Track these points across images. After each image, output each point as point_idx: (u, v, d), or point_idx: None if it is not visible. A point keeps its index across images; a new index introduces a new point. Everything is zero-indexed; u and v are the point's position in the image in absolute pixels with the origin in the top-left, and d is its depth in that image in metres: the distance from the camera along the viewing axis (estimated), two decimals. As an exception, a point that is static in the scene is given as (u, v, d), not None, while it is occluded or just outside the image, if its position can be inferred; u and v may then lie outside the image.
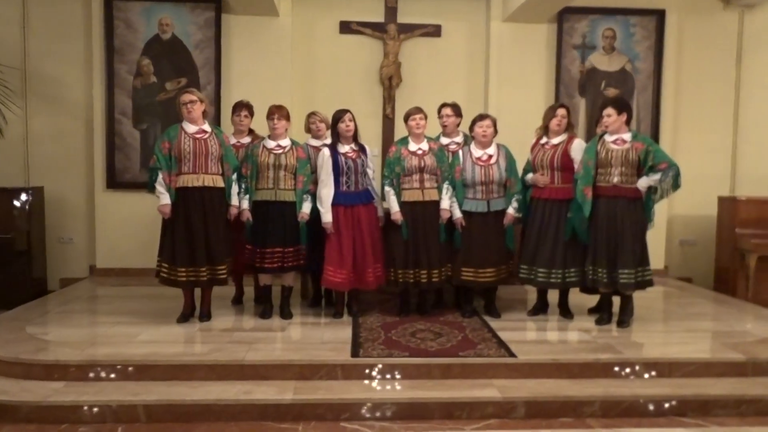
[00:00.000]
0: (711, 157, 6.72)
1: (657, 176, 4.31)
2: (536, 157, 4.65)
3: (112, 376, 3.62)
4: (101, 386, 3.54)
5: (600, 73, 6.50)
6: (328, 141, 4.75)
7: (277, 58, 6.25)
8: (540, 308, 4.85)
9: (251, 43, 6.26)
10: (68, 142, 6.34)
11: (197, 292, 4.59)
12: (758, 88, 6.74)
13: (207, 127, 4.42)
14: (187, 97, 4.38)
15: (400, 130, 5.95)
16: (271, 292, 4.72)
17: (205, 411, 3.35)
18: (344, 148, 4.58)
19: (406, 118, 4.72)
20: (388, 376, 3.69)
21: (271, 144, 4.54)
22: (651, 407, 3.51)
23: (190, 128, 4.37)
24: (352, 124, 4.56)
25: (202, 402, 3.37)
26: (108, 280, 6.08)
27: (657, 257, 6.39)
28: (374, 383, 3.63)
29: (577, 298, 4.85)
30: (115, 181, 6.22)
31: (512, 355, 3.84)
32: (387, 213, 4.68)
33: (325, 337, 4.18)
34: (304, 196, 4.52)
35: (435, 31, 6.50)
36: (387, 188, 4.62)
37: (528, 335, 4.43)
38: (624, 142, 4.40)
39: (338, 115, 4.57)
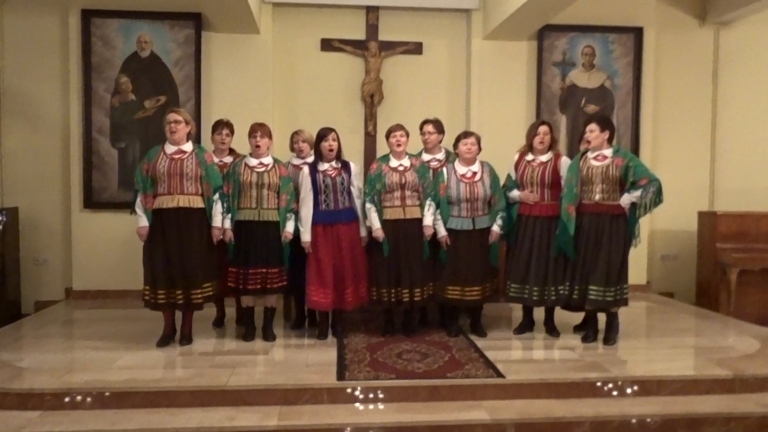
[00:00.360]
0: (690, 172, 6.79)
1: (637, 192, 4.30)
2: (524, 174, 4.63)
3: (90, 403, 3.49)
4: (78, 415, 3.41)
5: (580, 89, 6.55)
6: (311, 159, 4.69)
7: (257, 76, 6.20)
8: (526, 326, 4.82)
9: (232, 61, 6.21)
10: (44, 160, 6.21)
11: (178, 314, 4.47)
12: (734, 104, 6.85)
13: (188, 147, 4.32)
14: (172, 116, 4.31)
15: (382, 147, 5.91)
16: (254, 314, 4.63)
17: (186, 439, 3.24)
18: (324, 166, 4.53)
19: (388, 135, 4.70)
20: (375, 398, 3.61)
21: (253, 162, 4.47)
22: (641, 426, 3.47)
23: (169, 149, 4.29)
24: (335, 144, 4.52)
25: (184, 429, 3.26)
26: (85, 303, 5.93)
27: (639, 272, 6.44)
28: (361, 406, 3.55)
29: (562, 315, 4.82)
30: (92, 201, 6.10)
31: (500, 375, 3.79)
32: (370, 231, 4.61)
33: (309, 360, 4.10)
34: (288, 214, 4.45)
35: (416, 49, 6.50)
36: (368, 205, 4.56)
37: (515, 354, 4.38)
38: (605, 158, 4.41)
39: (322, 134, 4.53)
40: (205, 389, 3.57)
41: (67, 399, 3.50)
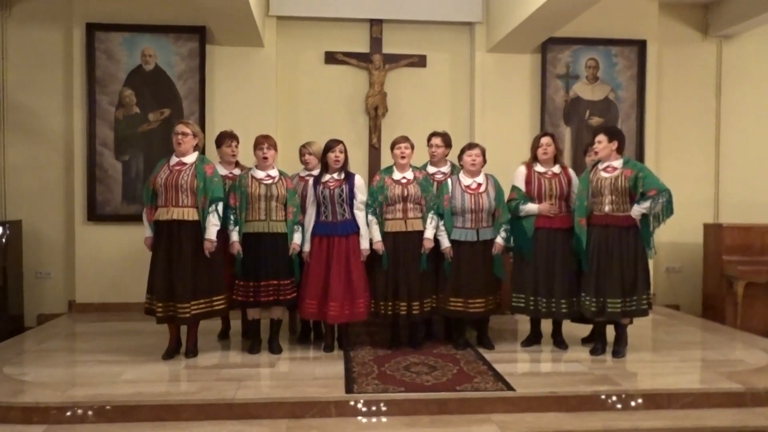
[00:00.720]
0: (694, 185, 6.78)
1: (647, 203, 4.28)
2: (540, 187, 4.59)
3: (95, 417, 3.46)
4: (84, 429, 3.38)
5: (584, 102, 6.56)
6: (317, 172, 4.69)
7: (261, 89, 6.21)
8: (533, 339, 4.79)
9: (235, 74, 6.22)
10: (47, 173, 6.20)
11: (182, 327, 4.44)
12: (738, 117, 6.86)
13: (190, 159, 4.31)
14: (180, 128, 4.31)
15: (386, 160, 5.91)
16: (260, 327, 4.60)
17: (194, 454, 3.21)
18: (326, 177, 4.52)
19: (392, 147, 4.70)
20: (384, 411, 3.58)
21: (260, 174, 4.46)
22: (652, 440, 3.44)
23: (173, 161, 4.30)
24: (342, 156, 4.51)
25: (191, 444, 3.24)
26: (88, 316, 5.89)
27: (645, 285, 6.39)
28: (370, 420, 3.52)
29: (569, 328, 4.80)
30: (95, 214, 6.08)
31: (510, 388, 3.76)
32: (371, 243, 4.57)
33: (316, 373, 4.07)
34: (295, 226, 4.46)
35: (420, 62, 6.52)
36: (370, 217, 4.54)
37: (524, 367, 4.36)
38: (614, 169, 4.40)
39: (330, 145, 4.53)
40: (211, 403, 3.54)
41: (72, 413, 3.47)
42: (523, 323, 5.16)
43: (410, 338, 4.72)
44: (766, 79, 6.88)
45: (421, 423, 3.48)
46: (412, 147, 4.70)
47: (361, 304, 4.47)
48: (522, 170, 4.71)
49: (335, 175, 4.53)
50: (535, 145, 4.67)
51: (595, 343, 4.60)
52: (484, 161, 4.69)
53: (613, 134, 4.46)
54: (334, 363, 4.30)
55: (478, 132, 6.42)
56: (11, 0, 6.15)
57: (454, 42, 6.58)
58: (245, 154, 4.84)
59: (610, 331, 4.59)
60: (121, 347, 4.66)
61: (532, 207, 4.58)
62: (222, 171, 4.68)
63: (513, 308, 4.66)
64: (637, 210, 4.32)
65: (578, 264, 4.49)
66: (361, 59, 6.44)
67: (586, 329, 4.83)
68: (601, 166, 4.46)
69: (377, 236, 4.50)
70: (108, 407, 3.49)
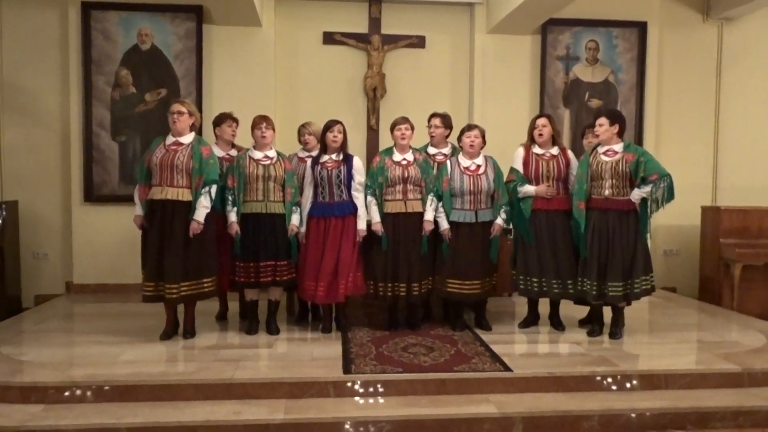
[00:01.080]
0: (693, 168, 6.75)
1: (647, 188, 4.27)
2: (537, 168, 4.57)
3: (94, 398, 3.45)
4: (82, 409, 3.37)
5: (584, 84, 6.53)
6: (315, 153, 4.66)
7: (259, 69, 6.16)
8: (531, 320, 4.79)
9: (233, 54, 6.16)
10: (43, 154, 6.15)
11: (180, 308, 4.43)
12: (737, 100, 6.83)
13: (186, 139, 4.27)
14: (176, 107, 4.27)
15: (384, 142, 5.89)
16: (257, 308, 4.60)
17: (192, 433, 3.21)
18: (324, 158, 4.50)
19: (392, 128, 4.67)
20: (382, 392, 3.58)
21: (258, 155, 4.44)
22: (649, 420, 3.44)
23: (169, 140, 4.26)
24: (340, 136, 4.49)
25: (190, 424, 3.23)
26: (85, 297, 5.89)
27: (642, 268, 6.40)
28: (367, 400, 3.52)
29: (567, 310, 4.80)
30: (92, 195, 6.05)
31: (507, 369, 3.77)
32: (369, 225, 4.57)
33: (314, 354, 4.07)
34: (293, 207, 4.44)
35: (419, 42, 6.46)
36: (369, 198, 4.53)
37: (521, 348, 4.36)
38: (615, 153, 4.37)
39: (328, 125, 4.50)
40: (210, 383, 3.54)
41: (70, 393, 3.47)
42: (520, 305, 5.16)
43: (408, 319, 4.72)
44: (766, 63, 6.83)
45: (419, 403, 3.48)
46: (412, 128, 4.67)
47: (350, 279, 4.41)
48: (520, 152, 4.69)
49: (334, 156, 4.50)
50: (532, 126, 4.65)
51: (592, 324, 4.61)
52: (484, 143, 4.66)
53: (615, 117, 4.43)
54: (332, 344, 4.30)
55: (477, 113, 6.38)
56: (6, -21, 6.08)
57: (453, 23, 6.52)
58: (243, 135, 4.80)
59: (608, 312, 4.59)
60: (119, 328, 4.65)
61: (529, 188, 4.57)
62: (219, 152, 4.65)
63: (521, 291, 4.63)
64: (637, 194, 4.30)
65: (577, 247, 4.48)
66: (359, 40, 6.38)
67: (583, 311, 4.82)
68: (601, 150, 4.43)
69: (377, 218, 4.48)
70: (106, 387, 3.48)
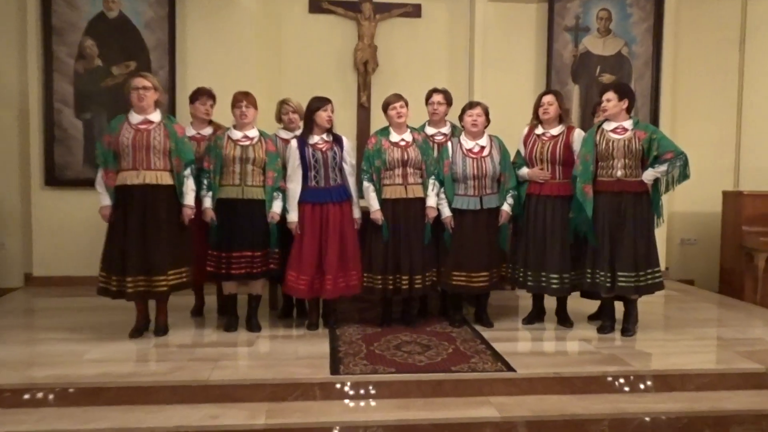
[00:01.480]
0: (713, 150, 6.77)
1: (663, 167, 4.28)
2: (533, 149, 4.59)
3: (56, 401, 3.43)
4: (43, 413, 3.34)
5: (594, 57, 6.52)
6: (299, 132, 4.63)
7: (239, 41, 6.12)
8: (536, 316, 4.81)
9: (210, 23, 6.11)
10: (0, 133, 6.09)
11: (151, 303, 4.41)
12: (763, 75, 6.82)
13: (155, 116, 4.24)
14: (140, 81, 4.21)
15: (377, 121, 5.86)
16: (237, 302, 4.59)
17: (165, 439, 3.20)
18: (314, 139, 4.47)
19: (385, 108, 4.64)
20: (373, 394, 3.57)
21: (237, 135, 4.41)
22: (664, 424, 3.45)
23: (135, 119, 4.21)
24: (333, 115, 4.48)
25: (162, 428, 3.21)
26: (47, 291, 5.86)
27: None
28: (357, 403, 3.51)
29: (575, 304, 4.81)
30: (54, 178, 6.01)
31: (510, 368, 3.78)
32: (366, 212, 4.57)
33: (299, 352, 4.07)
34: (275, 193, 4.41)
35: (414, 11, 6.43)
36: (366, 184, 4.52)
37: (525, 346, 4.37)
38: (625, 130, 4.37)
39: (319, 105, 4.46)
40: (185, 384, 3.52)
41: (30, 396, 3.44)
42: (524, 299, 5.17)
43: (402, 315, 4.73)
44: (795, 34, 6.84)
45: (413, 406, 3.48)
46: (407, 105, 4.64)
47: (353, 277, 4.48)
48: (524, 131, 4.73)
49: (324, 137, 4.49)
50: (537, 104, 4.64)
51: (602, 320, 4.62)
52: (488, 121, 4.64)
53: (624, 92, 4.43)
54: (319, 342, 4.29)
55: (477, 90, 6.37)
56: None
57: (452, -11, 6.49)
58: (222, 113, 4.78)
59: (619, 307, 4.60)
60: (84, 324, 4.63)
61: (523, 171, 4.61)
62: (190, 131, 4.64)
63: (514, 283, 4.69)
64: (650, 174, 4.31)
65: (574, 236, 4.47)
66: (349, 8, 6.34)
67: (592, 305, 4.84)
68: (608, 127, 4.42)
69: (375, 205, 4.47)
70: (71, 389, 3.47)
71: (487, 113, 4.61)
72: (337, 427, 3.29)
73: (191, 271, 4.35)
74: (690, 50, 6.75)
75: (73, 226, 5.97)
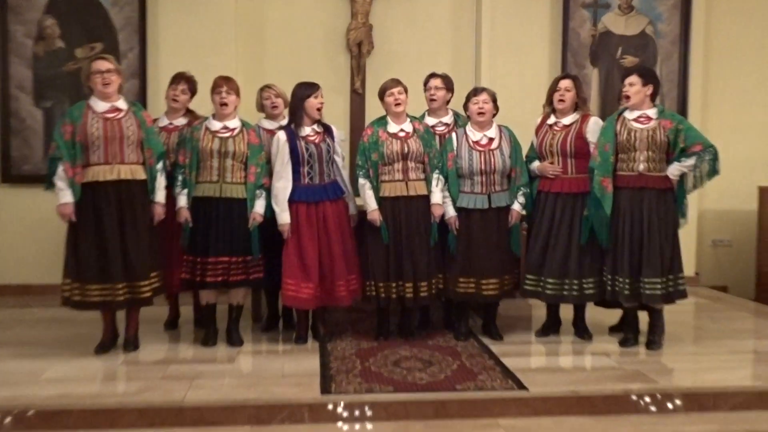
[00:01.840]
0: (748, 140, 6.75)
1: (690, 161, 4.29)
2: (543, 141, 4.60)
3: (12, 425, 3.39)
4: (-3, 439, 3.35)
5: (615, 37, 6.53)
6: (285, 122, 4.62)
7: (217, 18, 6.10)
8: (550, 327, 4.81)
9: (185, 1, 6.08)
10: (-51, 124, 6.09)
11: (120, 314, 4.41)
12: (804, 57, 6.83)
13: (122, 104, 4.24)
14: (103, 64, 4.19)
15: (371, 109, 5.86)
16: (215, 313, 4.58)
17: (134, 469, 3.21)
18: (305, 131, 4.46)
19: (382, 94, 4.64)
20: (368, 416, 3.56)
21: (215, 125, 4.40)
22: (695, 449, 3.46)
23: (100, 106, 4.19)
24: (323, 102, 4.48)
25: (131, 457, 3.22)
26: (3, 300, 5.85)
27: (687, 262, 6.27)
28: (351, 426, 3.50)
29: (596, 314, 4.81)
30: (10, 174, 6.02)
31: (522, 387, 3.78)
32: (362, 211, 4.57)
33: (285, 370, 4.07)
34: (257, 191, 4.40)
35: (414, -14, 6.43)
36: (362, 180, 4.52)
37: (538, 361, 4.39)
38: (649, 119, 4.37)
39: (307, 92, 4.45)
40: (157, 407, 3.51)
41: (-18, 419, 3.44)
42: (537, 308, 5.17)
43: (401, 326, 4.73)
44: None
45: (413, 429, 3.47)
46: (406, 92, 4.63)
47: (354, 279, 4.53)
48: (539, 120, 4.75)
49: (315, 127, 4.49)
50: (552, 89, 4.64)
51: (625, 332, 4.62)
52: (496, 109, 4.64)
53: (649, 76, 4.45)
54: (308, 357, 4.30)
55: (485, 75, 6.37)
56: None
57: (456, -39, 6.49)
58: (198, 101, 4.79)
59: (643, 317, 4.59)
60: (44, 338, 4.64)
61: (534, 165, 4.64)
62: (163, 122, 4.67)
63: (524, 291, 4.70)
64: (677, 169, 4.31)
65: (589, 237, 4.47)
66: (340, -18, 6.34)
67: (613, 315, 4.83)
68: (630, 116, 4.42)
69: (372, 204, 4.47)
70: (30, 412, 3.44)
71: (494, 100, 4.61)
72: (328, 454, 3.30)
73: (161, 276, 4.36)
74: (723, 28, 6.74)
75: (31, 227, 5.96)
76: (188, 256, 4.39)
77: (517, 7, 6.45)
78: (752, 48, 6.80)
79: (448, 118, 4.90)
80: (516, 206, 4.56)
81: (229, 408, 3.53)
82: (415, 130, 4.58)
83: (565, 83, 4.59)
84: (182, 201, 4.34)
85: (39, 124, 6.01)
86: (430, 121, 4.88)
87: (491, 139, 4.56)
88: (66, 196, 4.13)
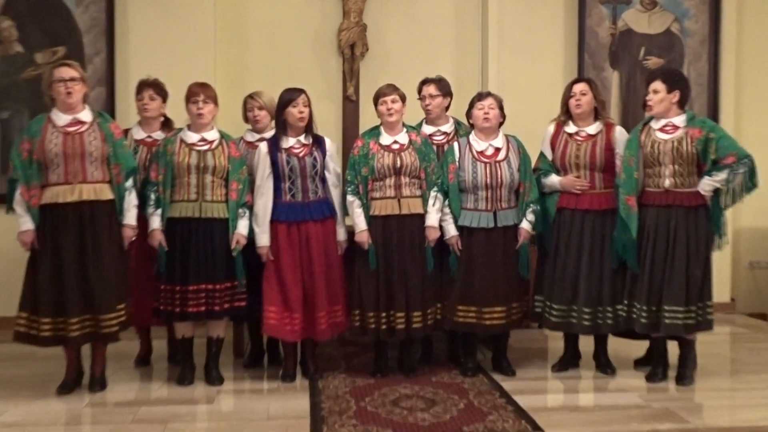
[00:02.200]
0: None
1: (722, 174, 4.29)
2: (565, 152, 4.61)
3: (-36, 476, 3.43)
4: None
5: (637, 36, 6.58)
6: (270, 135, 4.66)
7: (194, 19, 6.14)
8: (569, 361, 4.83)
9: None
10: None
11: (85, 350, 4.41)
12: None
13: (86, 115, 4.25)
14: (66, 71, 4.21)
15: (366, 117, 5.89)
16: (192, 348, 4.59)
17: None
18: (289, 142, 4.49)
19: (376, 101, 4.68)
20: (364, 463, 3.58)
21: (192, 138, 4.42)
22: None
23: (61, 119, 4.21)
24: (306, 111, 4.49)
25: None
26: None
27: (720, 287, 6.40)
28: (345, 475, 3.52)
29: (618, 346, 4.83)
30: (-37, 193, 6.00)
31: (537, 428, 3.77)
32: (352, 233, 4.58)
33: (271, 411, 4.06)
34: (240, 210, 4.42)
35: (413, -19, 6.49)
36: (350, 197, 4.54)
37: (556, 400, 4.40)
38: (675, 128, 4.40)
39: (288, 97, 4.48)
40: (126, 454, 3.51)
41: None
42: (554, 340, 5.18)
43: (400, 361, 4.73)
44: None
45: (416, 477, 3.49)
46: (403, 100, 4.66)
47: (339, 310, 4.54)
48: (550, 130, 4.77)
49: (301, 139, 4.50)
50: (567, 94, 4.68)
51: (653, 365, 4.62)
52: (503, 116, 4.67)
53: (674, 81, 4.45)
54: (297, 397, 4.30)
55: (492, 80, 6.41)
56: None
57: (459, -46, 6.57)
58: (173, 111, 4.81)
59: (672, 349, 4.59)
60: (1, 378, 4.63)
61: (554, 180, 4.64)
62: (139, 134, 4.67)
63: (536, 318, 4.74)
64: (708, 183, 4.32)
65: (619, 261, 4.49)
66: (331, -22, 6.40)
67: (639, 347, 4.84)
68: (655, 125, 4.46)
69: (361, 224, 4.49)
70: (-18, 461, 3.46)
71: (501, 106, 4.64)
72: (320, 506, 3.29)
73: (129, 307, 4.37)
74: (757, 25, 6.80)
75: (-14, 253, 5.96)
76: (165, 285, 4.38)
77: (527, 4, 6.50)
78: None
79: (448, 127, 4.92)
80: (525, 225, 4.57)
81: (207, 454, 3.55)
82: (411, 141, 4.60)
83: (580, 86, 4.63)
84: (155, 222, 4.34)
85: (-5, 138, 6.06)
86: (428, 129, 4.91)
87: (497, 150, 4.59)
88: (26, 223, 4.15)
